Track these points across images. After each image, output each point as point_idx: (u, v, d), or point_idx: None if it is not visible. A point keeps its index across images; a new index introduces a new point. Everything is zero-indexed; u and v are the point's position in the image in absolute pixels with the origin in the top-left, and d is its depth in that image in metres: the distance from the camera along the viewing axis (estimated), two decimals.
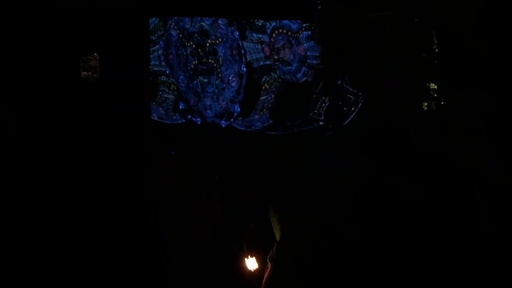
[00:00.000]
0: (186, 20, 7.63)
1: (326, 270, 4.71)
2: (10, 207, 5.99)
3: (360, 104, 7.26)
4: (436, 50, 7.40)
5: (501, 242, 5.34)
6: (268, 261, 4.71)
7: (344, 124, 7.29)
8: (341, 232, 5.08)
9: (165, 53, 7.79)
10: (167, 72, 7.85)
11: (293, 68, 7.37)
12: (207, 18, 7.53)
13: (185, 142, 7.68)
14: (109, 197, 6.15)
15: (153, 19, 7.71)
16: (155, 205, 6.30)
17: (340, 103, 7.30)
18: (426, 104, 7.43)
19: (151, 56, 7.84)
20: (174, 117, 7.85)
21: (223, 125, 7.64)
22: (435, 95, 7.42)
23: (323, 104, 7.35)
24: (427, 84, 7.44)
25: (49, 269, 5.80)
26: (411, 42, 7.38)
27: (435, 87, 7.44)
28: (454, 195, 5.86)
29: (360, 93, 7.26)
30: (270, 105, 7.45)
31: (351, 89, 7.29)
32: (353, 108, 7.27)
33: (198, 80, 7.69)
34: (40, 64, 6.17)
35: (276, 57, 7.41)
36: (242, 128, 7.56)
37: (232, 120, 7.60)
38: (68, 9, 6.12)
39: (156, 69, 7.85)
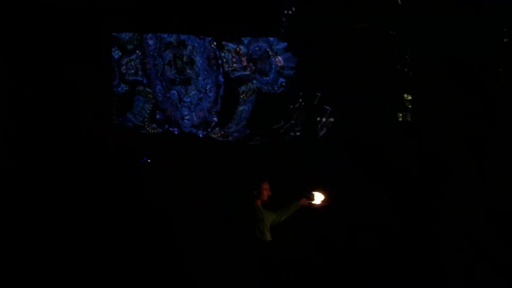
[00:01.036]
0: None
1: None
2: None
3: (336, 115, 7.34)
4: (410, 61, 7.54)
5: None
6: None
7: (320, 134, 7.36)
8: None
9: (142, 62, 7.78)
10: (144, 81, 7.84)
11: (270, 79, 7.41)
12: None
13: (162, 151, 7.70)
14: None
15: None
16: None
17: (316, 114, 7.37)
18: (401, 114, 7.55)
19: (128, 65, 7.85)
20: (151, 127, 7.84)
21: (201, 135, 7.65)
22: (410, 106, 7.54)
23: (300, 115, 7.41)
24: (402, 95, 7.57)
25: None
26: (386, 53, 7.49)
27: (409, 97, 7.57)
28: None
29: (337, 104, 7.34)
30: (247, 115, 7.49)
31: (327, 100, 7.36)
32: (329, 119, 7.34)
33: (175, 90, 7.70)
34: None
35: (253, 67, 7.45)
36: (219, 138, 7.58)
37: (209, 130, 7.61)
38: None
39: (133, 78, 7.84)
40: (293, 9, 7.22)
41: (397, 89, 7.51)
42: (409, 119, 7.52)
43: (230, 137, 7.54)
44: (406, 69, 7.63)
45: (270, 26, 7.19)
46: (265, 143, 7.42)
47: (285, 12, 7.21)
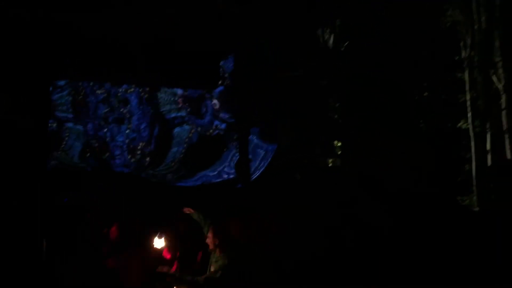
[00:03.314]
0: None
1: None
2: None
3: (269, 159, 7.46)
4: (339, 108, 7.87)
5: None
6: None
7: (253, 178, 7.43)
8: None
9: (73, 99, 7.57)
10: (74, 119, 7.62)
11: (205, 121, 7.44)
12: None
13: (89, 190, 7.47)
14: None
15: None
16: None
17: (250, 157, 7.46)
18: (331, 160, 7.81)
19: (58, 102, 7.61)
20: (80, 165, 7.60)
21: (133, 175, 7.50)
22: (339, 152, 7.83)
23: (234, 158, 7.47)
24: (332, 142, 7.86)
25: None
26: (317, 100, 7.78)
27: (339, 144, 7.87)
28: None
29: (270, 148, 7.48)
30: (181, 157, 7.45)
31: (261, 144, 7.49)
32: (262, 163, 7.45)
33: (107, 128, 7.53)
34: None
35: (189, 109, 7.46)
36: (152, 179, 7.46)
37: (142, 170, 7.49)
38: None
39: (63, 115, 7.60)
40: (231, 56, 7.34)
41: (328, 135, 7.80)
42: (339, 164, 7.81)
43: (163, 178, 7.45)
44: (336, 116, 7.95)
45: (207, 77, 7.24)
46: (199, 185, 7.39)
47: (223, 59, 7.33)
